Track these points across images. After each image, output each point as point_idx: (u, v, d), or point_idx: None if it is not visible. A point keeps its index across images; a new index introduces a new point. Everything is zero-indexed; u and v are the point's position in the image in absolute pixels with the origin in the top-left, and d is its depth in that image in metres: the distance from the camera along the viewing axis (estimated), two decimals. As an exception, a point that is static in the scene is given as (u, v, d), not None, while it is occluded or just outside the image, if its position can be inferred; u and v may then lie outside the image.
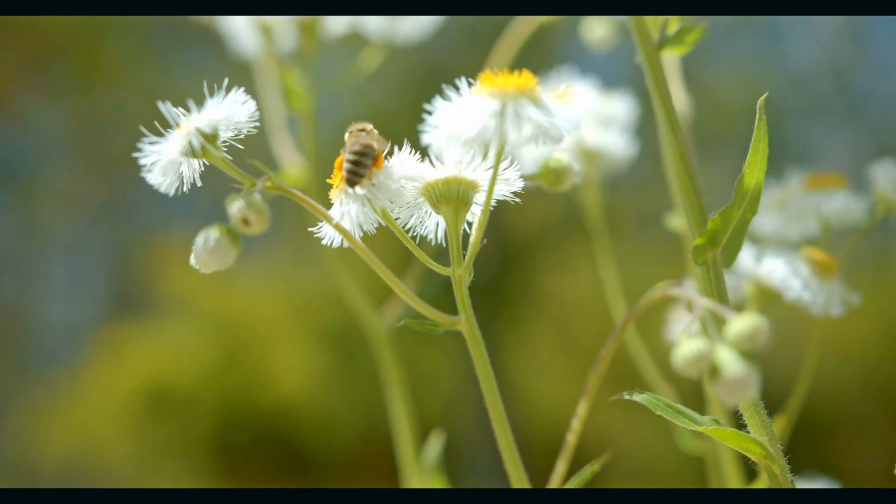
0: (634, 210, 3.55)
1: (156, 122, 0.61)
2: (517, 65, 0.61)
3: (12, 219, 4.02)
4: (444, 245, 0.64)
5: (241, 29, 1.03)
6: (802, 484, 0.95)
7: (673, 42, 0.64)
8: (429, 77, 3.87)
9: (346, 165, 0.62)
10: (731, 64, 3.90)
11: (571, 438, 0.65)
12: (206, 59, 3.89)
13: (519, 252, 3.73)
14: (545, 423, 3.31)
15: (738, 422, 0.66)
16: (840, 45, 3.77)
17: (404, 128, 0.66)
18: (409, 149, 0.63)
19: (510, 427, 0.64)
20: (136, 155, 0.60)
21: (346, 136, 0.66)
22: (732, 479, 0.87)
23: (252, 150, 0.63)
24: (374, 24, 1.06)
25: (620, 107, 1.04)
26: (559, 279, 3.72)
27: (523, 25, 1.00)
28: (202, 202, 3.85)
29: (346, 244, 0.62)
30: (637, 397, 0.63)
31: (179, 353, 3.50)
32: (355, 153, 0.62)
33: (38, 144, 4.02)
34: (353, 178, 0.61)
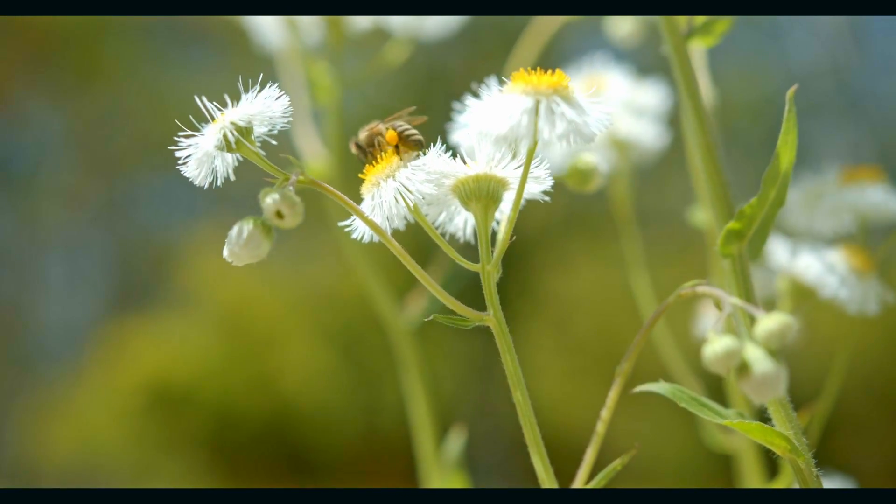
0: (635, 207, 3.54)
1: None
2: (536, 62, 0.61)
3: (11, 217, 4.01)
4: (473, 242, 0.64)
5: (266, 22, 1.03)
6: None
7: (701, 32, 0.64)
8: (429, 77, 3.86)
9: (410, 132, 0.64)
10: (731, 63, 3.90)
11: (600, 428, 0.65)
12: (206, 58, 3.88)
13: (519, 250, 3.72)
14: (545, 423, 3.29)
15: (762, 416, 0.66)
16: (841, 44, 3.78)
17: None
18: (440, 145, 0.63)
19: (522, 425, 0.65)
20: (172, 148, 0.61)
21: (363, 134, 0.66)
22: (753, 477, 0.87)
23: (274, 144, 0.63)
24: (398, 21, 1.06)
25: (652, 96, 1.04)
26: (560, 277, 3.72)
27: (545, 24, 1.00)
28: (202, 202, 3.85)
29: (375, 239, 0.62)
30: (662, 389, 0.63)
31: (181, 352, 3.49)
32: (406, 127, 0.64)
33: (37, 143, 4.01)
34: (421, 140, 0.63)
